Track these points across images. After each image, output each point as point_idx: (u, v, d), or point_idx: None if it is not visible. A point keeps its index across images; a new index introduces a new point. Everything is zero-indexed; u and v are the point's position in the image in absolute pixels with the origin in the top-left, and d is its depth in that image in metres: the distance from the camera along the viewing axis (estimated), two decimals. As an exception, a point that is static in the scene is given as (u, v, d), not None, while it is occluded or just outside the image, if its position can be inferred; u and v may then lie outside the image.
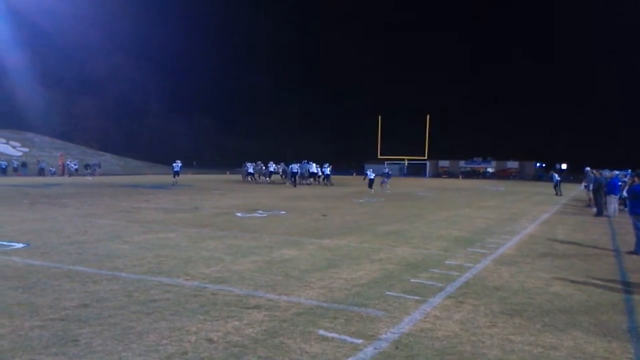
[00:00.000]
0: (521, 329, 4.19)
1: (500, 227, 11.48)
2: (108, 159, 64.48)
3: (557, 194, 26.67)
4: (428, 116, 68.17)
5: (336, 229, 10.17)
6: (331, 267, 6.38)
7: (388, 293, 5.15)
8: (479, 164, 79.59)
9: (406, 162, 74.15)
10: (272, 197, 20.26)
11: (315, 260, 6.82)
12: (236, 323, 4.07)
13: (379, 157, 72.24)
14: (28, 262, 6.27)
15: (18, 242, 7.71)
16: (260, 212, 13.45)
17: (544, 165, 79.40)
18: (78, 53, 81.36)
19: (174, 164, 31.99)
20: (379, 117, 71.47)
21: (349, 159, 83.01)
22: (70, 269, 5.92)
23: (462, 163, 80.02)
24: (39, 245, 7.49)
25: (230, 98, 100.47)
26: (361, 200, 19.03)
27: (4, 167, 46.55)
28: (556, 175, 28.82)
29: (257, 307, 4.53)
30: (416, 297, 5.01)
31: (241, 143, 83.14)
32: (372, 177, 27.82)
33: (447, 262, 6.98)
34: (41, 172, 43.89)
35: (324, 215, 12.80)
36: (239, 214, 12.74)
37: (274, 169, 37.23)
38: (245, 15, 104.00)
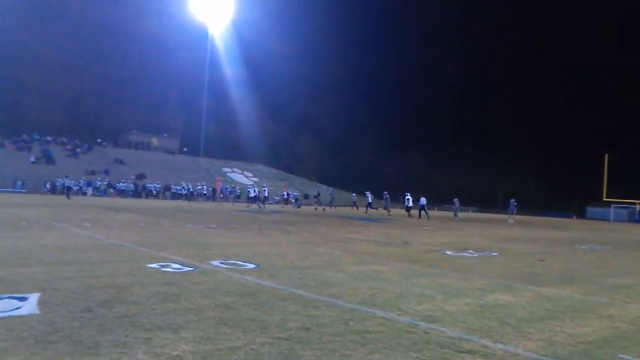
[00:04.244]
0: None
1: None
2: (324, 191, 68.94)
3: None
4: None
5: (556, 277, 9.37)
6: (552, 319, 5.89)
7: (621, 356, 4.56)
8: None
9: (638, 206, 65.41)
10: (482, 236, 19.53)
11: (533, 309, 6.37)
12: (449, 366, 4.00)
13: (604, 199, 65.09)
14: (258, 282, 7.00)
15: (250, 263, 8.67)
16: (471, 251, 13.05)
17: None
18: (301, 93, 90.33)
19: (455, 202, 32.49)
20: (605, 155, 64.63)
21: (569, 200, 76.11)
22: (294, 292, 6.45)
23: None
24: (267, 267, 8.32)
25: (439, 134, 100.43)
26: (584, 247, 17.26)
27: (238, 194, 53.02)
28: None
29: (470, 352, 4.40)
30: (658, 365, 4.37)
31: (448, 179, 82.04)
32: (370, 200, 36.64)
33: (697, 328, 5.94)
34: (265, 199, 48.70)
35: (542, 261, 11.90)
36: (448, 252, 12.54)
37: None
38: (455, 60, 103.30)
